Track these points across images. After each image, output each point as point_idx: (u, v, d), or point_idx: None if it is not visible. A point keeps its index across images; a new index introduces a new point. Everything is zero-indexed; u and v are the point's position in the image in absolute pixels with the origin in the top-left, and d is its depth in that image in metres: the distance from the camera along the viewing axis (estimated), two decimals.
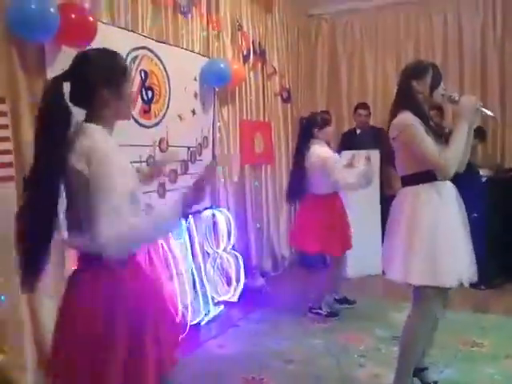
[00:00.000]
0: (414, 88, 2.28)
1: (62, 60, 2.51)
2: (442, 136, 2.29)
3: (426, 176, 2.24)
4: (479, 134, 4.71)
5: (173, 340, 1.68)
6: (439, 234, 2.19)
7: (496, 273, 4.26)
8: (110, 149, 1.47)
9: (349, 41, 5.85)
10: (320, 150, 3.53)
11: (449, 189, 2.30)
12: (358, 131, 5.15)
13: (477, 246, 4.45)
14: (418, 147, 2.20)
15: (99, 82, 1.50)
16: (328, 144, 3.72)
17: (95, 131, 1.50)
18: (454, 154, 2.16)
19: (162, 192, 3.37)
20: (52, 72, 2.46)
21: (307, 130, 3.65)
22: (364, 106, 5.13)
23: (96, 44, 2.57)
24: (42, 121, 1.46)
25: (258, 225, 4.72)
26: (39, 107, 1.48)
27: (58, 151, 1.44)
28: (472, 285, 4.26)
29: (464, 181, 4.57)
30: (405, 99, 2.30)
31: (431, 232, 2.19)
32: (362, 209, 4.30)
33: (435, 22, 5.40)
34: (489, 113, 2.28)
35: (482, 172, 4.56)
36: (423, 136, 2.19)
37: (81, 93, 1.51)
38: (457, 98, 2.26)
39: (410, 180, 2.30)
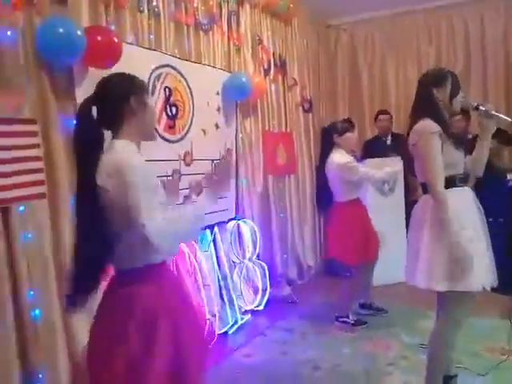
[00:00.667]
0: (435, 95, 2.30)
1: (89, 81, 2.62)
2: (462, 144, 2.31)
3: (446, 182, 2.24)
4: (504, 138, 4.66)
5: (200, 351, 1.72)
6: (463, 239, 2.16)
7: None
8: (138, 160, 1.55)
9: (368, 49, 5.88)
10: (337, 157, 3.55)
11: (467, 194, 2.31)
12: (383, 138, 5.15)
13: (504, 250, 4.41)
14: (428, 160, 2.24)
15: (123, 95, 1.61)
16: (352, 151, 3.74)
17: (123, 144, 1.60)
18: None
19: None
20: (80, 93, 2.58)
21: (328, 138, 3.70)
22: (384, 111, 5.14)
23: (121, 64, 2.70)
24: (78, 146, 1.59)
25: (281, 214, 4.75)
26: (74, 133, 1.60)
27: (93, 173, 1.54)
28: (499, 290, 4.21)
29: (490, 185, 4.55)
30: (425, 106, 2.31)
31: (454, 238, 2.17)
32: (386, 216, 4.29)
33: (456, 26, 5.38)
34: (506, 118, 2.32)
35: (509, 177, 4.49)
36: (436, 152, 2.21)
37: (106, 111, 1.61)
38: (475, 105, 2.30)
39: None
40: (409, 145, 2.36)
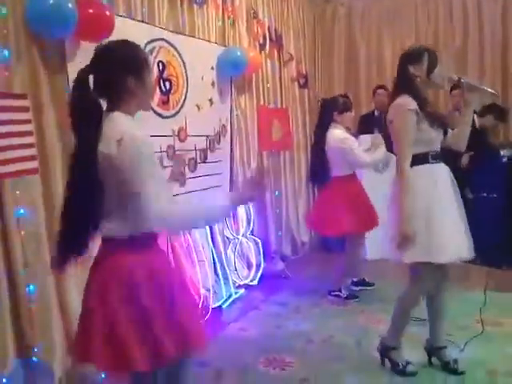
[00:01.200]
0: (411, 72, 2.37)
1: (81, 55, 2.59)
2: (438, 121, 2.37)
3: (421, 158, 2.35)
4: (500, 114, 4.65)
5: (196, 324, 1.74)
6: (432, 214, 2.29)
7: None
8: (140, 135, 1.53)
9: (366, 25, 5.81)
10: (338, 133, 3.60)
11: (442, 170, 2.40)
12: (377, 113, 5.14)
13: (496, 226, 4.47)
14: (399, 137, 2.33)
15: (124, 70, 1.57)
16: (348, 129, 3.76)
17: (123, 118, 1.58)
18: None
19: (182, 181, 3.45)
20: (72, 67, 2.55)
21: (327, 112, 3.70)
22: (383, 86, 5.12)
23: (113, 37, 2.64)
24: (74, 115, 1.54)
25: (277, 210, 4.78)
26: (70, 102, 1.56)
27: (93, 141, 1.52)
28: (493, 264, 4.31)
29: (484, 161, 4.57)
30: (403, 83, 2.39)
31: (424, 212, 2.28)
32: (380, 192, 4.30)
33: (454, 2, 5.31)
34: (490, 90, 2.40)
35: (502, 152, 4.50)
36: (410, 129, 2.29)
37: (104, 83, 1.57)
38: (456, 78, 2.36)
39: None
40: (387, 121, 2.43)
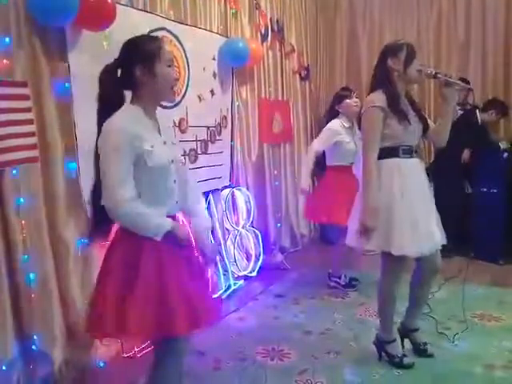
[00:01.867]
0: (389, 66, 2.41)
1: (83, 43, 2.58)
2: (407, 118, 2.40)
3: (389, 152, 2.41)
4: (502, 109, 4.64)
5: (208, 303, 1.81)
6: (396, 206, 2.35)
7: None
8: (116, 125, 1.59)
9: (368, 16, 5.76)
10: (329, 124, 3.74)
11: (413, 165, 2.45)
12: None
13: (496, 221, 4.48)
14: (365, 131, 2.41)
15: (131, 61, 1.66)
16: (354, 115, 3.76)
17: (125, 108, 1.66)
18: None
19: None
20: (73, 55, 2.54)
21: (331, 108, 3.86)
22: None
23: (115, 26, 2.64)
24: (101, 106, 1.68)
25: (276, 183, 4.79)
26: (98, 95, 1.69)
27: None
28: (491, 259, 4.32)
29: (484, 157, 4.57)
30: (379, 77, 2.45)
31: (388, 204, 2.35)
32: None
33: None
34: (462, 84, 2.44)
35: (502, 146, 4.50)
36: (375, 125, 2.36)
37: (123, 76, 1.69)
38: (433, 73, 2.39)
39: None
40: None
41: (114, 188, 1.57)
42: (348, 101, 3.72)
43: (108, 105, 1.66)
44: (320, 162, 3.82)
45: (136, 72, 1.65)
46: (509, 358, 2.62)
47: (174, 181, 1.77)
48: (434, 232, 2.42)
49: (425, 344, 2.68)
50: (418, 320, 2.72)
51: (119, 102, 1.68)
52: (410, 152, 2.44)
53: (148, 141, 1.64)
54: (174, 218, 1.79)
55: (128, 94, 1.74)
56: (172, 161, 1.74)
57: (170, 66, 1.71)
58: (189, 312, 1.64)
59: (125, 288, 1.59)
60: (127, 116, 1.64)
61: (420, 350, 2.67)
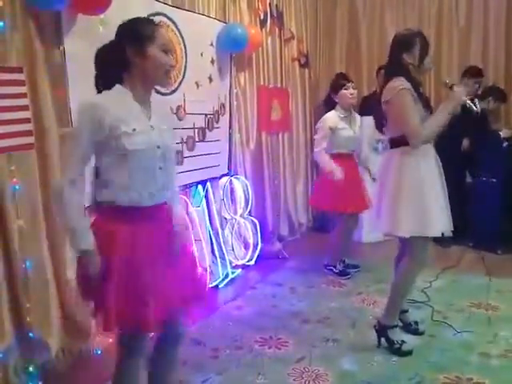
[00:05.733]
0: (405, 60, 2.45)
1: (78, 28, 2.54)
2: (430, 105, 2.49)
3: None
4: (500, 95, 4.59)
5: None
6: (425, 190, 2.42)
7: None
8: (89, 101, 1.60)
9: (368, 3, 5.69)
10: (325, 116, 3.76)
11: (430, 150, 2.51)
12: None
13: (494, 210, 4.47)
14: (404, 113, 2.39)
15: (122, 42, 1.65)
16: (350, 107, 3.75)
17: (112, 89, 1.65)
18: (433, 128, 2.38)
19: (180, 159, 3.41)
20: (69, 40, 2.50)
21: (329, 98, 3.87)
22: None
23: (112, 11, 2.59)
24: (97, 86, 1.69)
25: (275, 181, 4.76)
26: (94, 76, 1.69)
27: None
28: (489, 249, 4.34)
29: (484, 146, 4.54)
30: (395, 68, 2.48)
31: (417, 188, 2.41)
32: (377, 175, 4.30)
33: None
34: (474, 108, 2.48)
35: (502, 134, 4.48)
36: (411, 105, 2.37)
37: (114, 56, 1.66)
38: (450, 83, 2.45)
39: (398, 142, 2.48)
40: (382, 102, 2.51)
41: (64, 169, 1.63)
42: (344, 91, 3.69)
43: (103, 84, 1.66)
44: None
45: (127, 51, 1.63)
46: (505, 347, 2.63)
47: (160, 167, 1.69)
48: (448, 215, 2.50)
49: (416, 323, 2.78)
50: (405, 301, 2.79)
51: (115, 82, 1.66)
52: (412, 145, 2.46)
53: (129, 124, 1.59)
54: (160, 207, 1.73)
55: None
56: (158, 146, 1.68)
57: (165, 52, 1.67)
58: (158, 310, 1.61)
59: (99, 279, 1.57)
60: (111, 96, 1.63)
61: (411, 330, 2.75)
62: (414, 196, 2.41)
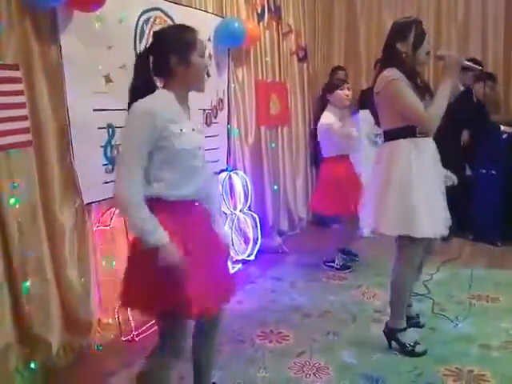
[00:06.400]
0: (398, 49, 2.36)
1: (74, 25, 2.53)
2: (427, 93, 2.36)
3: (406, 131, 2.34)
4: (488, 77, 4.54)
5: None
6: (412, 188, 2.30)
7: None
8: (143, 107, 1.60)
9: None
10: (324, 116, 3.71)
11: (427, 145, 2.39)
12: None
13: (494, 203, 4.47)
14: (403, 102, 2.30)
15: (168, 51, 1.67)
16: (344, 107, 3.75)
17: (157, 93, 1.68)
18: (438, 110, 2.26)
19: None
20: (65, 37, 2.49)
21: (323, 96, 3.85)
22: None
23: (108, 7, 2.58)
24: (131, 91, 1.69)
25: (275, 187, 4.76)
26: (131, 81, 1.70)
27: None
28: (488, 241, 4.34)
29: (484, 138, 4.52)
30: (389, 58, 2.39)
31: (404, 185, 2.31)
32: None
33: None
34: (475, 66, 2.40)
35: (503, 128, 4.46)
36: (407, 91, 2.28)
37: (155, 63, 1.71)
38: (443, 54, 2.33)
39: (391, 134, 2.41)
40: (374, 93, 2.43)
41: (123, 176, 1.60)
42: (339, 92, 3.68)
43: (140, 92, 1.66)
44: (315, 154, 3.87)
45: (171, 61, 1.66)
46: (505, 339, 2.63)
47: (202, 166, 1.80)
48: (445, 217, 2.40)
49: (417, 316, 2.79)
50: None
51: (151, 89, 1.69)
52: (425, 131, 2.37)
53: (177, 124, 1.66)
54: (201, 205, 1.83)
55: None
56: (199, 147, 1.77)
57: (202, 57, 1.73)
58: (201, 299, 1.66)
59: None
60: (158, 99, 1.66)
61: (413, 323, 2.70)
62: (401, 193, 2.30)
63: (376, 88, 2.40)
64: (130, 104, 1.66)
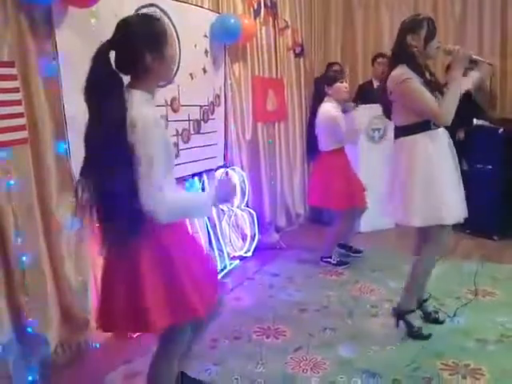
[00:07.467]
0: (409, 42, 2.41)
1: (69, 21, 2.51)
2: (438, 89, 2.42)
3: (421, 126, 2.42)
4: (476, 64, 4.54)
5: (212, 285, 1.83)
6: (435, 178, 2.40)
7: (509, 224, 4.27)
8: (153, 120, 1.53)
9: None
10: (326, 108, 3.66)
11: (441, 136, 2.49)
12: (375, 83, 5.05)
13: (490, 197, 4.48)
14: (418, 100, 2.37)
15: (142, 47, 1.55)
16: (344, 101, 3.72)
17: (138, 97, 1.56)
18: (451, 104, 2.33)
19: (176, 152, 3.40)
20: (60, 34, 2.48)
21: (319, 88, 3.81)
22: (383, 55, 4.99)
23: (103, 2, 2.57)
24: (90, 88, 1.52)
25: (272, 182, 4.76)
26: (87, 78, 1.53)
27: (119, 113, 1.50)
28: (485, 235, 4.35)
29: (480, 133, 4.53)
30: (400, 53, 2.44)
31: (428, 177, 2.40)
32: (374, 164, 4.29)
33: None
34: (482, 59, 2.46)
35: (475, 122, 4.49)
36: (421, 90, 2.35)
37: (125, 59, 1.57)
38: (452, 49, 2.41)
39: (406, 130, 2.47)
40: (387, 91, 2.49)
41: (157, 189, 1.51)
42: (339, 84, 3.66)
43: (99, 90, 1.51)
44: (313, 147, 3.84)
45: (146, 58, 1.55)
46: (501, 333, 2.65)
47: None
48: (462, 201, 2.52)
49: (435, 312, 2.81)
50: (425, 291, 2.79)
51: (116, 86, 1.54)
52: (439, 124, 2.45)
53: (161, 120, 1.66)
54: None
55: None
56: None
57: (172, 46, 1.66)
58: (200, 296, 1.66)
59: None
60: (147, 104, 1.58)
61: (431, 319, 2.76)
62: (427, 184, 2.39)
63: (390, 86, 2.46)
64: (91, 101, 1.51)
